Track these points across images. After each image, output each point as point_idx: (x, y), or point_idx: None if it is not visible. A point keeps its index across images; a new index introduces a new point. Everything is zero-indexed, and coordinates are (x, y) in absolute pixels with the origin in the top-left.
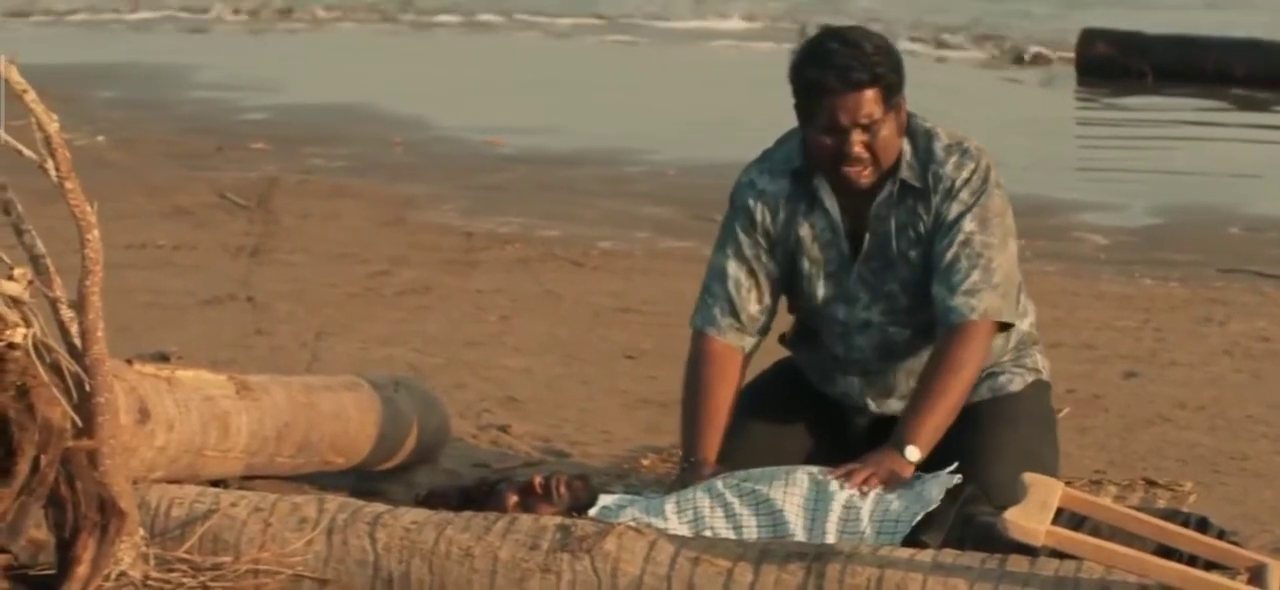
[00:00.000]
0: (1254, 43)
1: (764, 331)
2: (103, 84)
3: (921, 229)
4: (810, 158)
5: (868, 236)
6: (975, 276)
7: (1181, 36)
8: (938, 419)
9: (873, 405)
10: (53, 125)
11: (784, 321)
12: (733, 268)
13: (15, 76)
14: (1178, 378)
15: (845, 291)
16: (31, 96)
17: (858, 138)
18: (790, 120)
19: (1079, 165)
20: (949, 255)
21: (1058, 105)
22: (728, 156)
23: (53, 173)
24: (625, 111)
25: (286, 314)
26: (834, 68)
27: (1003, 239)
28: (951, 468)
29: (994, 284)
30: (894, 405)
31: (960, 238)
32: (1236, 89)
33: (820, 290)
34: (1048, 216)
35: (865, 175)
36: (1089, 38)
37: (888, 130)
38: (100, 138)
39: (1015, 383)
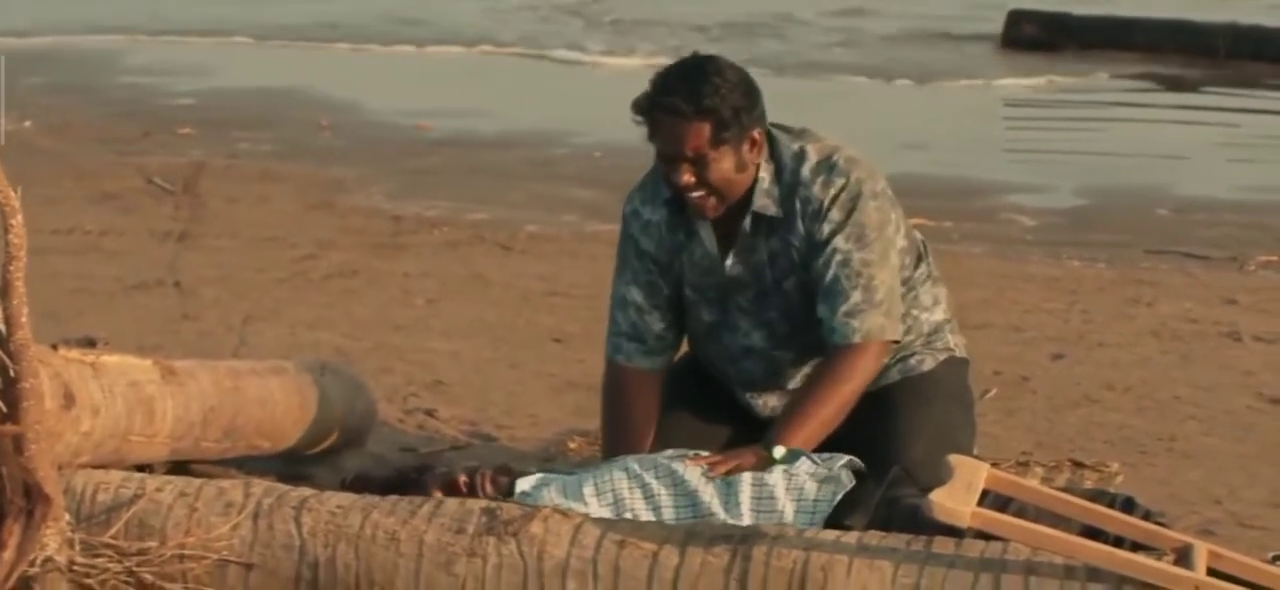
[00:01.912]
0: (1182, 23)
1: (675, 346)
2: (30, 69)
3: (794, 256)
4: None
5: (739, 268)
6: (856, 296)
7: (1109, 17)
8: (810, 430)
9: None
10: None
11: None
12: (632, 294)
13: None
14: (1105, 359)
15: (727, 319)
16: None
17: (686, 168)
18: None
19: (1006, 147)
20: (828, 276)
21: (984, 87)
22: None
23: None
24: (552, 95)
25: (213, 299)
26: (658, 93)
27: (883, 254)
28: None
29: (876, 302)
30: None
31: (838, 258)
32: (1164, 69)
33: (704, 316)
34: (975, 198)
35: (707, 205)
36: (1016, 19)
37: (726, 164)
38: (27, 123)
39: (927, 362)
